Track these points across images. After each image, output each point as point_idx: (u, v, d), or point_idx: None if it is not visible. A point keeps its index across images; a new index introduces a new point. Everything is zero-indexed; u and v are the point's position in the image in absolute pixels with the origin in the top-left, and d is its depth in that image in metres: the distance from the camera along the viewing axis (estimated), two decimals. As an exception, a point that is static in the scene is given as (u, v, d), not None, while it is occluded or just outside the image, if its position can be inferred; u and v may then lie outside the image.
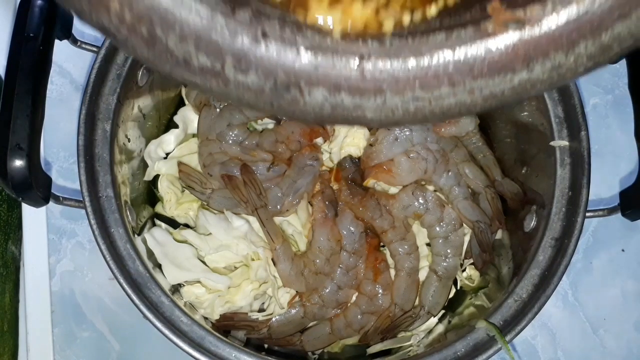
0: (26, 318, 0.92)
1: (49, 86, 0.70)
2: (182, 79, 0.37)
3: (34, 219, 0.94)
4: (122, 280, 0.73)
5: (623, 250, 0.99)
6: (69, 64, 1.00)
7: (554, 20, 0.35)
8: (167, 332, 0.71)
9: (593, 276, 0.99)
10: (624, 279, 0.99)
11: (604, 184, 0.98)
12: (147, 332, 0.93)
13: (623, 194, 0.76)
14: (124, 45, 0.36)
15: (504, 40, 0.35)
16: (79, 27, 0.96)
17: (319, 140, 0.88)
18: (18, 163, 0.65)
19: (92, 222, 0.73)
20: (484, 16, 0.36)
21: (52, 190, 0.72)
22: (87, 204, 0.73)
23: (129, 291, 0.72)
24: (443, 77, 0.36)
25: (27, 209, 0.94)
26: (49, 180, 0.71)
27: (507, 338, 0.73)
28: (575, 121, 0.79)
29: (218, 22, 0.35)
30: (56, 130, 0.97)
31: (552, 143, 0.80)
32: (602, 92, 1.01)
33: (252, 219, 0.85)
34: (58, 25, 0.71)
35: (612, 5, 0.34)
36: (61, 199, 0.73)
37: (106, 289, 0.95)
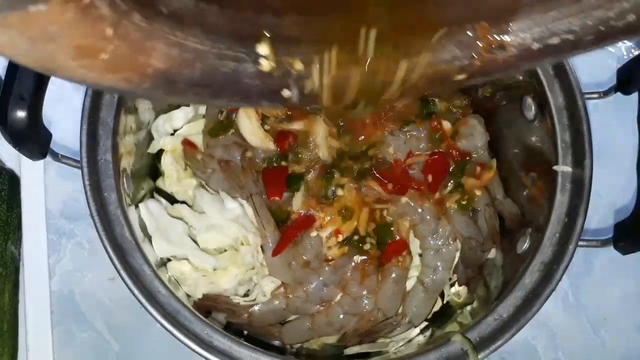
0: (26, 318, 0.93)
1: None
2: None
3: (34, 219, 0.95)
4: (106, 244, 0.73)
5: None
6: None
7: None
8: (141, 297, 0.72)
9: (593, 276, 0.98)
10: (625, 279, 0.98)
11: (602, 189, 0.96)
12: (147, 333, 0.94)
13: (618, 226, 0.75)
14: None
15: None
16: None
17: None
18: (19, 113, 0.66)
19: (86, 182, 0.74)
20: None
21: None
22: (84, 164, 0.74)
23: (112, 254, 0.73)
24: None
25: (27, 209, 0.94)
26: (48, 135, 0.72)
27: (480, 355, 0.72)
28: (581, 148, 0.78)
29: None
30: (56, 130, 0.95)
31: (555, 167, 0.79)
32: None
33: (248, 204, 0.86)
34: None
35: None
36: (60, 156, 0.75)
37: (106, 289, 0.95)
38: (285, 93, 0.45)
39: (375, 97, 0.48)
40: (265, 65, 0.44)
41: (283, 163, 0.86)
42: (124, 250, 0.75)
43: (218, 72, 0.43)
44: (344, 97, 0.47)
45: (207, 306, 0.85)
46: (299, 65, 0.45)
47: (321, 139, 0.85)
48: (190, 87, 0.43)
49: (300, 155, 0.85)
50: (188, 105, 0.92)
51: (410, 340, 0.87)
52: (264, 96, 0.46)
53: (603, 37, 0.42)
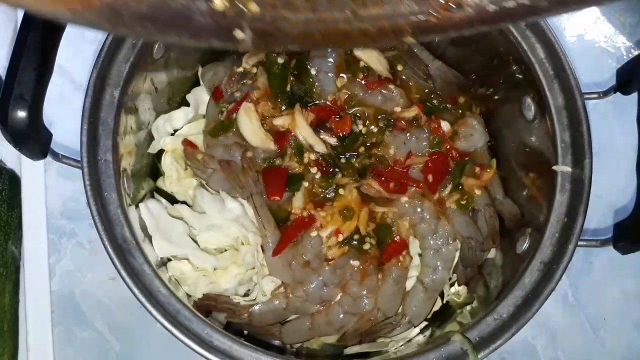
0: (26, 318, 0.93)
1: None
2: None
3: (34, 219, 0.95)
4: (107, 243, 0.73)
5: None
6: (69, 64, 0.99)
7: None
8: (141, 297, 0.72)
9: (593, 276, 0.98)
10: (624, 279, 0.98)
11: (601, 189, 0.94)
12: (147, 332, 0.94)
13: (617, 226, 0.75)
14: None
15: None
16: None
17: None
18: (19, 113, 0.66)
19: (87, 182, 0.74)
20: None
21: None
22: (84, 163, 0.74)
23: (112, 254, 0.73)
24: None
25: (27, 209, 0.94)
26: (49, 135, 0.73)
27: (480, 355, 0.73)
28: (580, 148, 0.78)
29: None
30: (56, 130, 0.94)
31: (555, 167, 0.79)
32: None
33: (248, 204, 0.86)
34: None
35: None
36: (60, 156, 0.75)
37: (106, 289, 0.95)
38: (239, 34, 0.44)
39: (334, 41, 0.46)
40: (218, 3, 0.42)
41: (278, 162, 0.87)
42: (124, 250, 0.75)
43: (167, 7, 0.42)
44: (298, 40, 0.46)
45: (208, 306, 0.85)
46: (253, 7, 0.44)
47: (305, 130, 0.86)
48: (137, 20, 0.42)
49: (302, 156, 0.85)
50: (188, 105, 0.93)
51: (410, 340, 0.87)
52: (215, 35, 0.44)
53: (558, 4, 0.42)
